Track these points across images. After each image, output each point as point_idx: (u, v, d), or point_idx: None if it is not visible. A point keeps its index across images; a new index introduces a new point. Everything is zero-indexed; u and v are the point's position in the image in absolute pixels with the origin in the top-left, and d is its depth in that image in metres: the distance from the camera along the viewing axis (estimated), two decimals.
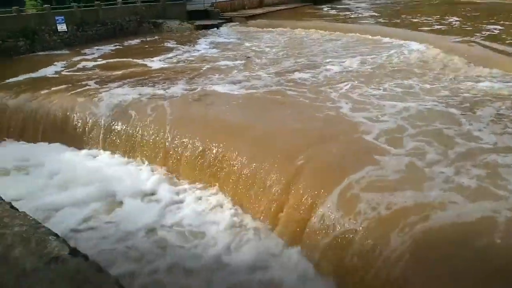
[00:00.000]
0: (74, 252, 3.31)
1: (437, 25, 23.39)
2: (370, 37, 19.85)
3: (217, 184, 7.28)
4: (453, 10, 33.55)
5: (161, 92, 10.66)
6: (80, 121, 9.36)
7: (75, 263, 3.16)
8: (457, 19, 26.46)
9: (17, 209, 3.94)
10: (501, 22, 24.20)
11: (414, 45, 16.87)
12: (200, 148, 7.65)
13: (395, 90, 10.72)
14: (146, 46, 19.03)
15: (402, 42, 17.89)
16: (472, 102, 9.70)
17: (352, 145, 7.30)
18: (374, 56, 15.43)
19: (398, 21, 27.15)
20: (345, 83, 11.44)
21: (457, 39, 17.02)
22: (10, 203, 4.06)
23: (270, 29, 24.12)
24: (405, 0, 51.54)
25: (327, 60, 14.82)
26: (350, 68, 13.51)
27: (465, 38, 17.14)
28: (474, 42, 16.33)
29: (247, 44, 19.11)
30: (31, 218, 3.83)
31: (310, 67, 13.73)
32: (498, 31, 20.18)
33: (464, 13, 31.27)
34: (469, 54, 14.27)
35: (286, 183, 6.31)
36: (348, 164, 6.49)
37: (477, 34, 18.76)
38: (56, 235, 3.59)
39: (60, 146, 9.17)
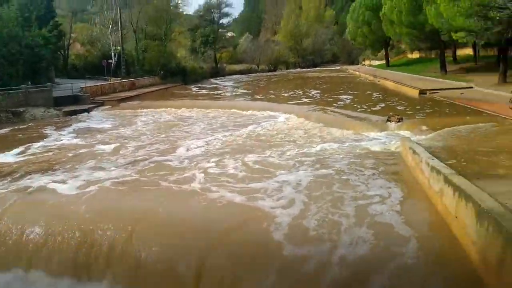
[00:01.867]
0: None
1: (304, 98, 26.51)
2: (244, 112, 21.06)
3: None
4: (308, 84, 38.73)
5: None
6: None
7: None
8: (317, 91, 30.13)
9: None
10: (350, 92, 28.42)
11: (286, 116, 18.32)
12: None
13: (270, 161, 10.67)
14: (9, 136, 17.04)
15: (275, 113, 19.40)
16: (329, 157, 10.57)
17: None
18: (246, 129, 16.15)
19: (273, 96, 29.81)
20: (228, 158, 11.18)
21: (320, 108, 19.22)
22: None
23: (143, 110, 23.91)
24: (263, 77, 57.23)
25: (206, 137, 14.88)
26: (231, 142, 13.74)
27: (327, 107, 19.51)
28: (333, 111, 18.48)
29: (118, 128, 18.19)
30: None
31: (181, 148, 13.13)
32: (349, 101, 23.41)
33: (318, 85, 36.12)
34: (329, 121, 16.02)
35: None
36: None
37: (335, 104, 21.51)
38: None
39: None
